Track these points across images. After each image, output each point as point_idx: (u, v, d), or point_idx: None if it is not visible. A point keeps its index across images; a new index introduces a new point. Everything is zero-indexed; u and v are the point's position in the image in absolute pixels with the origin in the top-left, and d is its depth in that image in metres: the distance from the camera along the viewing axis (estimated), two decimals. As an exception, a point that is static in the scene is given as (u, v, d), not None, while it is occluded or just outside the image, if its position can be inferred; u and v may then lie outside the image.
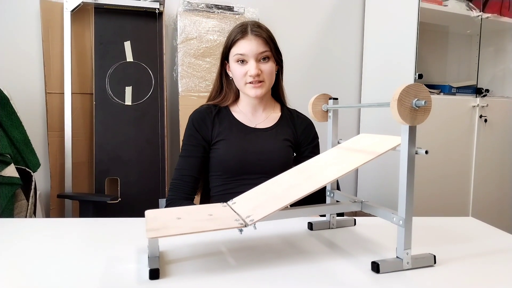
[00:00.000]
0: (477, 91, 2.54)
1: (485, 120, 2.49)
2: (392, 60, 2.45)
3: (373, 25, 2.65)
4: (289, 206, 1.12)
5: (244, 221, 0.71)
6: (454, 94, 2.51)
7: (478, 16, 2.48)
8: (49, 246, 0.82)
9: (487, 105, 2.48)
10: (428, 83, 2.55)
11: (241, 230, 0.71)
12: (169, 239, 0.85)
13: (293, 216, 0.77)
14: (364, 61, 2.73)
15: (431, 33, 2.71)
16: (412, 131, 0.70)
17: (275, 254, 0.79)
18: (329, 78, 2.69)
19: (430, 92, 2.52)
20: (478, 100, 2.47)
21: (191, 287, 0.65)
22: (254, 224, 0.70)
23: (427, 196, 2.37)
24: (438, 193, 2.41)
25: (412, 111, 0.67)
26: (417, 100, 0.67)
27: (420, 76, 2.27)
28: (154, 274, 0.67)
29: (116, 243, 0.85)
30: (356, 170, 2.82)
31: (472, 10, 2.47)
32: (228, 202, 0.85)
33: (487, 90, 2.54)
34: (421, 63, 2.54)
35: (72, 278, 0.67)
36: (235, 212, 0.77)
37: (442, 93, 2.48)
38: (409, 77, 2.26)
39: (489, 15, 2.50)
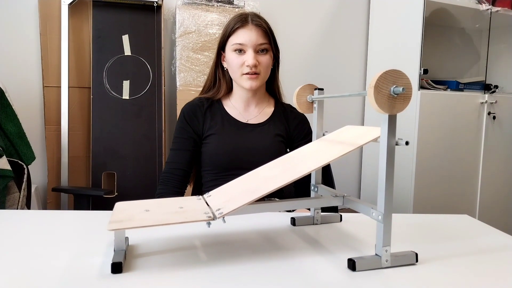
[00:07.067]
0: (486, 87, 2.46)
1: (494, 117, 2.41)
2: (397, 54, 2.39)
3: (378, 19, 2.59)
4: (277, 200, 1.09)
5: (214, 214, 0.68)
6: (461, 90, 2.44)
7: (488, 9, 2.40)
8: (20, 237, 0.79)
9: (495, 102, 2.41)
10: (435, 78, 2.48)
11: (209, 224, 0.68)
12: (141, 233, 0.82)
13: (267, 210, 0.73)
14: (369, 56, 2.67)
15: (438, 27, 2.64)
16: (392, 120, 0.65)
17: (250, 249, 0.76)
18: (333, 73, 2.64)
19: (436, 88, 2.43)
20: (486, 97, 2.39)
21: (153, 282, 0.62)
22: (223, 218, 0.67)
23: (433, 195, 2.30)
24: (444, 192, 2.34)
25: (390, 98, 0.63)
26: (395, 87, 0.63)
27: (425, 71, 2.20)
28: (116, 268, 0.64)
29: (90, 235, 0.82)
30: (360, 170, 2.76)
31: (481, 4, 2.39)
32: (204, 195, 0.81)
33: (496, 86, 2.46)
34: (428, 58, 2.47)
35: (34, 270, 0.65)
36: (207, 205, 0.74)
37: (449, 89, 2.41)
38: (414, 72, 2.20)
39: (499, 9, 2.42)
